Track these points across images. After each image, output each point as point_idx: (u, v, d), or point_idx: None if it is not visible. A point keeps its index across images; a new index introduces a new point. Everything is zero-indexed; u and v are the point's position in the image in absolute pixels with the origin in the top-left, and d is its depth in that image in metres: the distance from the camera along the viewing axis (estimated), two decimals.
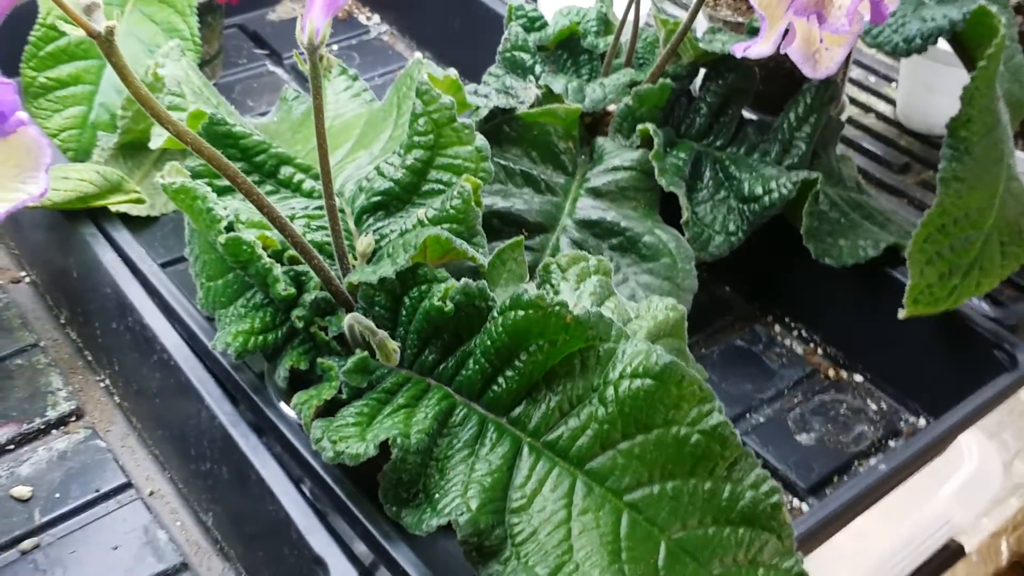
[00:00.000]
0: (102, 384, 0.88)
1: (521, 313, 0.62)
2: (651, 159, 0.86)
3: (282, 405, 0.71)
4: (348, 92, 0.95)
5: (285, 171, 0.79)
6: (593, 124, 0.95)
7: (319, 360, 0.69)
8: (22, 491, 0.78)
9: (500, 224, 0.84)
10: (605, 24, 1.00)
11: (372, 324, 0.64)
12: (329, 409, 0.67)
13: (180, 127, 0.57)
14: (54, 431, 0.83)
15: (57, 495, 0.78)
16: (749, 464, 0.58)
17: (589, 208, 0.87)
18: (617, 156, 0.89)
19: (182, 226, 0.96)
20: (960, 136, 0.76)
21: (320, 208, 0.77)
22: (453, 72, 0.83)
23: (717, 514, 0.58)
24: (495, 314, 0.64)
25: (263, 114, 1.20)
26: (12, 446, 0.82)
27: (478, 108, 0.86)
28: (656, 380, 0.59)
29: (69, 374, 0.88)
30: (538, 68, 0.95)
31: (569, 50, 0.97)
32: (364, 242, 0.72)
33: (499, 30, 0.99)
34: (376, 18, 1.40)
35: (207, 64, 1.24)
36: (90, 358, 0.89)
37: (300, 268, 0.70)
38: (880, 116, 1.26)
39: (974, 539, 1.35)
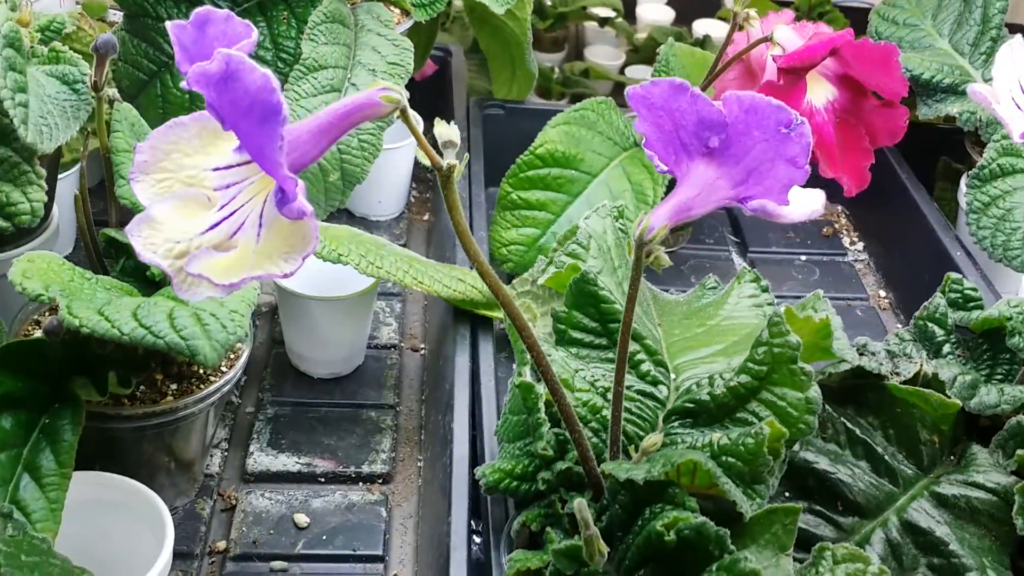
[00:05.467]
0: (419, 463, 0.95)
1: None
2: (1015, 491, 0.75)
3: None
4: (751, 300, 0.94)
5: (631, 346, 0.80)
6: (982, 429, 0.84)
7: (547, 529, 0.69)
8: (302, 519, 0.87)
9: (815, 485, 0.78)
10: None
11: (589, 518, 0.63)
12: None
13: (493, 278, 0.61)
14: (356, 485, 0.92)
15: (324, 537, 0.86)
16: None
17: (924, 513, 0.77)
18: (985, 473, 0.78)
19: None
20: None
21: (641, 392, 0.78)
22: (833, 319, 0.79)
23: None
24: (713, 569, 0.61)
25: None
26: (322, 479, 0.92)
27: (842, 361, 0.81)
28: None
29: (401, 443, 0.97)
30: (947, 348, 0.87)
31: (991, 343, 0.87)
32: (650, 440, 0.71)
33: None
34: (859, 245, 1.36)
35: (676, 231, 1.30)
36: (423, 438, 0.97)
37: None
38: None
39: None
